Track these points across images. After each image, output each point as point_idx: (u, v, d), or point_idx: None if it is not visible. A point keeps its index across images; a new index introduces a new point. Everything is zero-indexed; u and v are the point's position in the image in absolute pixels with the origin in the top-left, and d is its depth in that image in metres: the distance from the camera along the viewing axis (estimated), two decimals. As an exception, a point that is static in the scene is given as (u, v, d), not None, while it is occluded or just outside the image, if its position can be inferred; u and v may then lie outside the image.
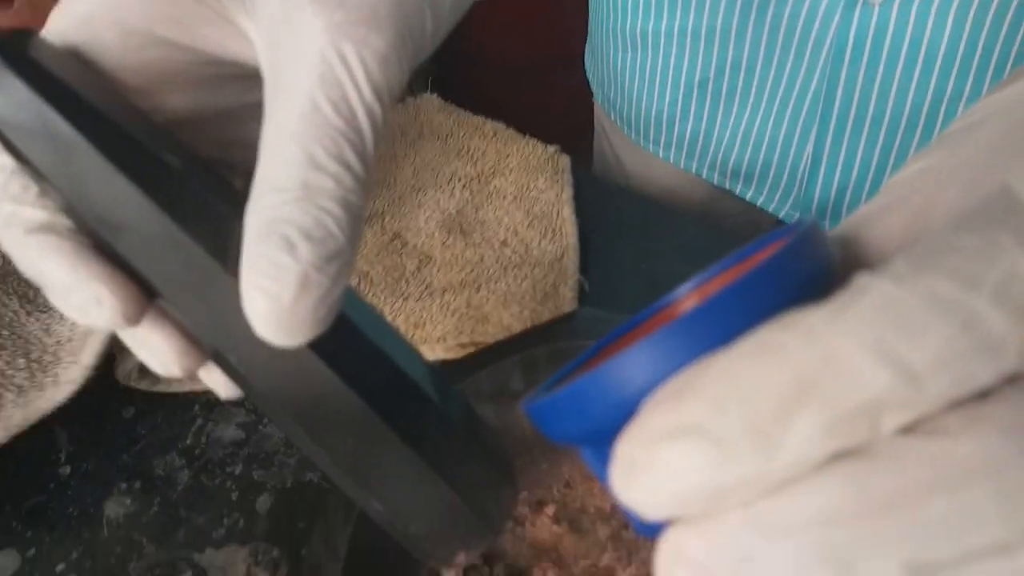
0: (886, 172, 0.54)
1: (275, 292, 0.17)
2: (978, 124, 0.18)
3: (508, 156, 0.59)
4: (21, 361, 0.42)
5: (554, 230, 0.54)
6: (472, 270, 0.52)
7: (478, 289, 0.50)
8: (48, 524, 0.43)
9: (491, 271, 0.52)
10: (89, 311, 0.20)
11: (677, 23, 0.56)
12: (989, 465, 0.12)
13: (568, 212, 0.56)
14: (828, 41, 0.50)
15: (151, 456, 0.45)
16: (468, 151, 0.59)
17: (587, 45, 0.71)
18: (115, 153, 0.19)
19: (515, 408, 0.17)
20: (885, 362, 0.12)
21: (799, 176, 0.58)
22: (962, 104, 0.48)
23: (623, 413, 0.15)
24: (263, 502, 0.43)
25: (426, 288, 0.51)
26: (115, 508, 0.43)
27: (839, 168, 0.55)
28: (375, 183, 0.57)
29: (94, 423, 0.47)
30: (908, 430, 0.13)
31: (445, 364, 0.47)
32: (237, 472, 0.45)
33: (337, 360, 0.20)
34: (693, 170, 0.65)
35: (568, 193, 0.57)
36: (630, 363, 0.14)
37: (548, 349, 0.37)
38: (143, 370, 0.46)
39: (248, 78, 0.23)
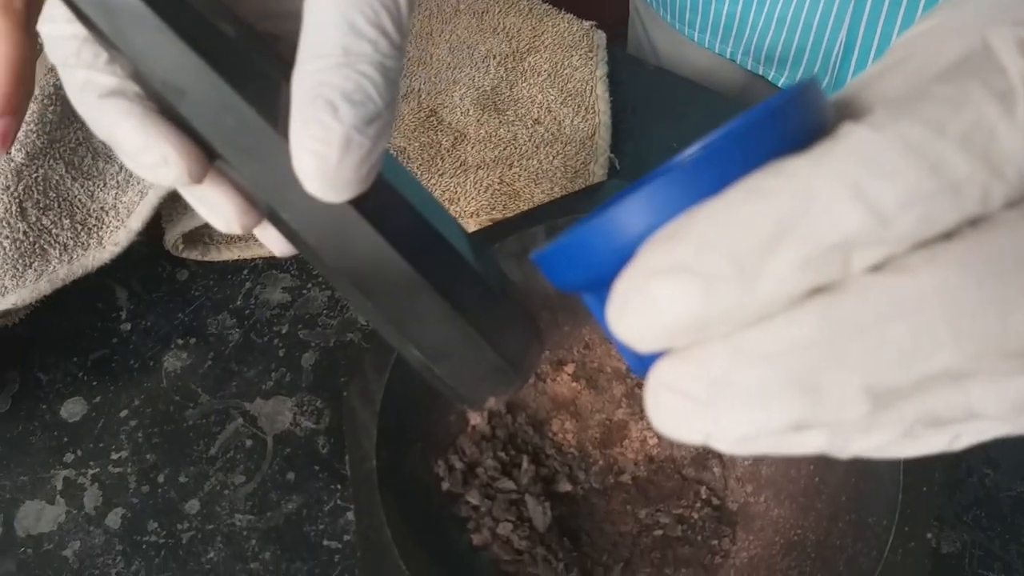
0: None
1: (322, 152, 0.19)
2: None
3: (543, 33, 0.58)
4: (66, 222, 0.44)
5: (587, 108, 0.55)
6: (505, 147, 0.53)
7: (511, 166, 0.52)
8: (111, 375, 0.47)
9: (524, 148, 0.53)
10: (158, 170, 0.22)
11: None
12: (944, 294, 0.13)
13: (601, 90, 0.56)
14: None
15: (204, 315, 0.49)
16: (504, 28, 0.59)
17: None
18: (176, 21, 0.20)
19: (539, 273, 0.18)
20: (857, 202, 0.13)
21: (832, 62, 0.57)
22: None
23: (622, 259, 0.15)
24: (308, 358, 0.47)
25: (460, 164, 0.52)
26: (172, 361, 0.47)
27: (872, 55, 0.54)
28: (407, 57, 0.57)
29: (152, 285, 0.50)
30: (877, 268, 0.14)
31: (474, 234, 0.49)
32: (284, 331, 0.48)
33: (379, 218, 0.21)
34: (727, 54, 0.64)
35: (602, 71, 0.57)
36: (628, 210, 0.15)
37: (572, 219, 0.38)
38: (188, 240, 0.49)
39: None
